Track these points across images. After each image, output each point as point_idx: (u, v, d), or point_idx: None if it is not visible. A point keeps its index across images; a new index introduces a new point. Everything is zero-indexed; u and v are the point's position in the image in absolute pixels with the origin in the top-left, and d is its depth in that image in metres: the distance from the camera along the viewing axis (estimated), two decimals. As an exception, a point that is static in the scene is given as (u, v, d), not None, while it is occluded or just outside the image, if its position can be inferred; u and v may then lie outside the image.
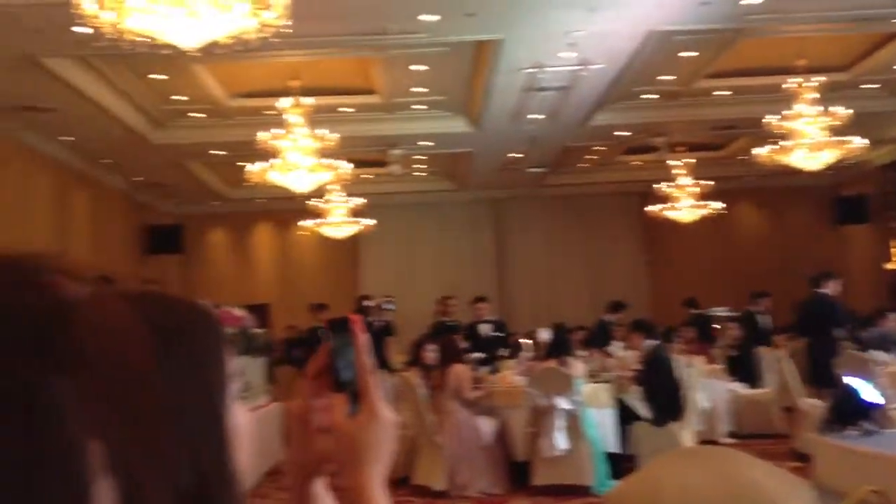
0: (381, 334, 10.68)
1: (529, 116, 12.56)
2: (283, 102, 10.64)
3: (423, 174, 17.43)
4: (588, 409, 7.72)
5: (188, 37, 6.20)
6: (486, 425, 7.86)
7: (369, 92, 12.44)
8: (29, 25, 8.30)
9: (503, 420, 8.02)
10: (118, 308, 0.45)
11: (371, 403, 1.03)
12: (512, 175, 16.53)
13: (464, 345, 9.26)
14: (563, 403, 7.47)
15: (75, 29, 7.54)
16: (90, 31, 6.60)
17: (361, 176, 15.54)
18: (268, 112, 11.81)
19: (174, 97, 12.03)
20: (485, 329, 10.68)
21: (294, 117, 10.71)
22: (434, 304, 12.09)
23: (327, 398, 1.06)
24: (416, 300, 16.91)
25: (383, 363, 10.09)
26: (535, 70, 10.56)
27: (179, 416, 0.47)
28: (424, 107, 12.92)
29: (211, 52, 6.85)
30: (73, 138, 12.68)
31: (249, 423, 0.87)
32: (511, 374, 8.57)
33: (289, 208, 16.54)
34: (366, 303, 10.94)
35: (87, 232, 14.51)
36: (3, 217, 11.62)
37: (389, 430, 1.05)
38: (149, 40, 6.20)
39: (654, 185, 14.98)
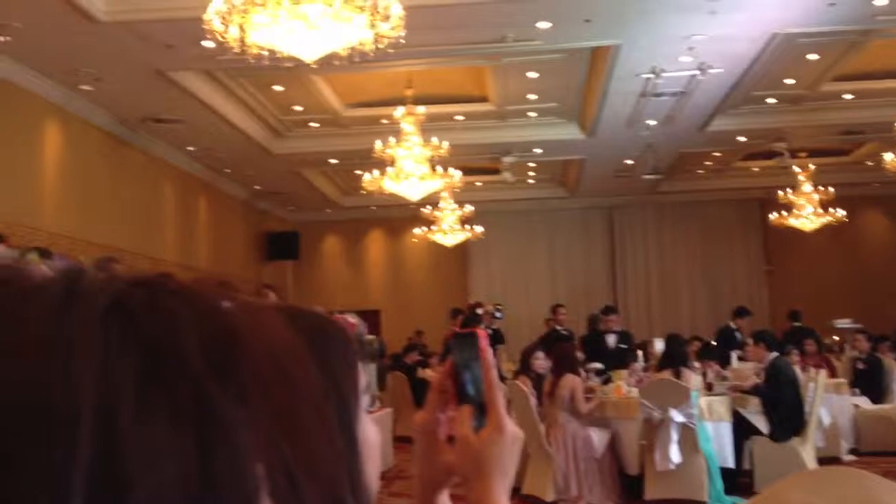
0: (491, 342, 10.67)
1: (645, 122, 12.37)
2: (397, 111, 10.80)
3: (534, 181, 17.40)
4: (703, 423, 7.52)
5: (309, 49, 6.38)
6: (598, 436, 7.75)
7: (481, 100, 12.50)
8: (161, 41, 8.70)
9: (615, 431, 7.89)
10: (280, 326, 0.47)
11: (497, 418, 1.04)
12: (625, 182, 16.31)
13: (580, 355, 9.16)
14: (677, 416, 7.30)
15: (204, 43, 7.85)
16: (216, 45, 6.87)
17: (475, 183, 15.65)
18: (382, 121, 12.02)
19: (293, 108, 12.37)
20: (612, 340, 10.36)
21: (407, 126, 10.85)
22: (548, 312, 12.04)
23: (453, 411, 1.07)
24: (526, 308, 16.88)
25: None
26: (652, 75, 10.40)
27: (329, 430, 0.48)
28: (536, 114, 12.90)
29: (329, 64, 7.03)
30: (197, 148, 13.20)
31: (377, 435, 0.89)
32: (624, 385, 8.42)
33: (400, 216, 16.79)
34: (478, 310, 10.95)
35: (208, 237, 15.06)
36: (135, 222, 12.19)
37: (514, 445, 1.05)
38: (271, 53, 6.40)
39: (775, 192, 14.52)
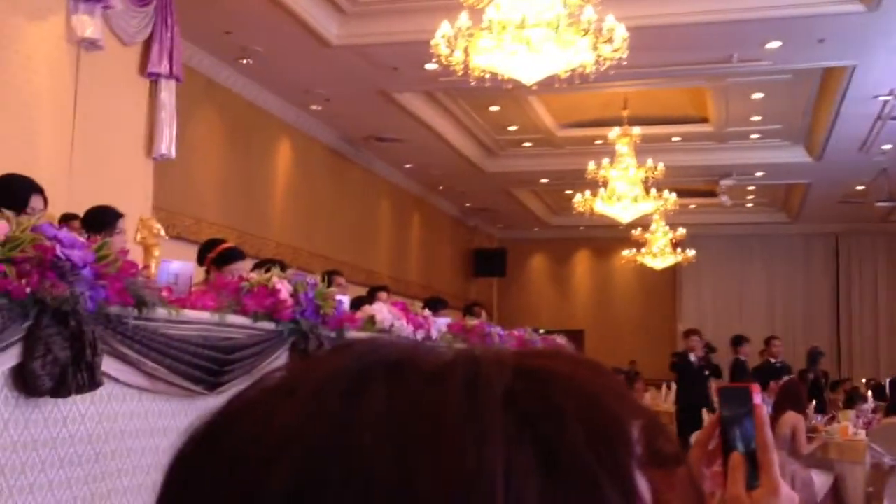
0: (704, 373, 10.29)
1: (880, 147, 11.57)
2: (612, 132, 10.70)
3: (753, 205, 16.70)
4: (941, 475, 6.90)
5: (530, 72, 6.43)
6: (820, 479, 7.29)
7: (701, 121, 12.15)
8: (387, 63, 9.08)
9: (839, 475, 7.40)
10: (650, 413, 0.47)
11: (771, 479, 1.00)
12: (853, 208, 15.29)
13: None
14: (911, 465, 6.74)
15: (427, 66, 8.12)
16: (440, 68, 7.08)
17: (689, 205, 15.22)
18: (596, 141, 11.94)
19: (508, 127, 12.53)
20: None
21: (622, 147, 10.73)
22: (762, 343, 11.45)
23: (718, 466, 1.04)
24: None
25: (706, 402, 9.73)
26: (891, 97, 9.73)
27: None
28: (759, 136, 12.40)
29: (548, 85, 7.06)
30: (413, 165, 13.65)
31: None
32: (850, 426, 7.88)
33: (608, 236, 16.58)
34: (692, 339, 10.58)
35: (419, 252, 15.53)
36: (353, 236, 12.77)
37: (789, 508, 1.00)
38: (493, 76, 6.51)
39: None
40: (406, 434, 0.39)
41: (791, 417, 7.30)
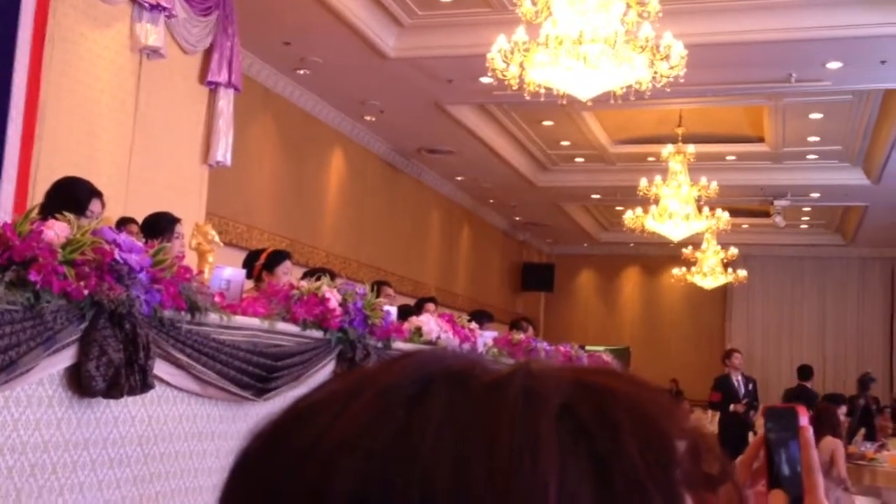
0: (752, 394, 10.12)
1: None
2: (665, 150, 10.63)
3: (807, 226, 16.45)
4: None
5: (585, 88, 6.42)
6: (868, 508, 7.12)
7: (756, 140, 12.01)
8: (441, 76, 9.12)
9: (886, 502, 7.25)
10: (712, 438, 0.48)
11: (815, 502, 0.98)
12: (912, 233, 14.99)
13: None
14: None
15: (482, 79, 8.14)
16: (494, 81, 7.09)
17: (742, 225, 15.03)
18: (649, 158, 11.87)
19: (561, 142, 12.50)
20: None
21: (675, 165, 10.66)
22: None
23: (762, 486, 1.03)
24: (788, 360, 15.95)
25: (750, 426, 9.57)
26: (955, 121, 9.52)
27: None
28: (816, 157, 12.21)
29: (602, 101, 7.04)
30: (465, 178, 13.68)
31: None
32: (901, 456, 7.71)
33: (658, 254, 16.45)
34: (734, 356, 10.39)
35: (468, 264, 15.53)
36: (402, 246, 12.82)
37: (837, 538, 0.99)
38: (548, 91, 6.51)
39: None
40: (464, 440, 0.41)
41: (829, 442, 7.16)
